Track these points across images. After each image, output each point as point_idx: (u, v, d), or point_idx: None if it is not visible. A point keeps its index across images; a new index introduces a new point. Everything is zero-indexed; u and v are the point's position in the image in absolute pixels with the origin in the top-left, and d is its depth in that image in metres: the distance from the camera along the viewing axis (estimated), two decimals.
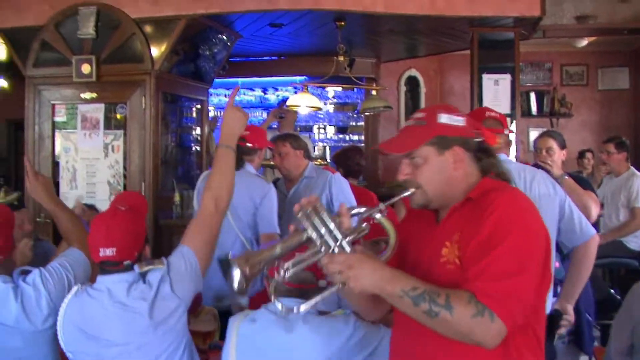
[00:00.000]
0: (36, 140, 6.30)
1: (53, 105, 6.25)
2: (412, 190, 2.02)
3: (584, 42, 9.43)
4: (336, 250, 1.85)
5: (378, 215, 1.97)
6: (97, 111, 6.11)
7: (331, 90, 9.66)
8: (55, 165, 6.27)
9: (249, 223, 4.24)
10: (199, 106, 6.99)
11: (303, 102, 7.15)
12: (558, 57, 10.39)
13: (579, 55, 10.24)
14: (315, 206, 1.89)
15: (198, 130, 7.00)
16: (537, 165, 4.35)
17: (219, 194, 2.84)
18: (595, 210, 4.34)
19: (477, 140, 2.06)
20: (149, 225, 5.55)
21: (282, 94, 9.62)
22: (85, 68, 5.94)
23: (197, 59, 6.62)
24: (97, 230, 2.64)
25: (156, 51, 5.93)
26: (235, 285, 1.81)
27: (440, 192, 2.01)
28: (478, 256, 1.82)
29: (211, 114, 8.01)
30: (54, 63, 6.16)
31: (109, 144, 6.06)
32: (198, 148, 6.97)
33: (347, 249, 1.86)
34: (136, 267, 2.62)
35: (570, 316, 3.48)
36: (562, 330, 3.48)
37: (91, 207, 4.52)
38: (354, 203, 4.45)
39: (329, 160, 8.98)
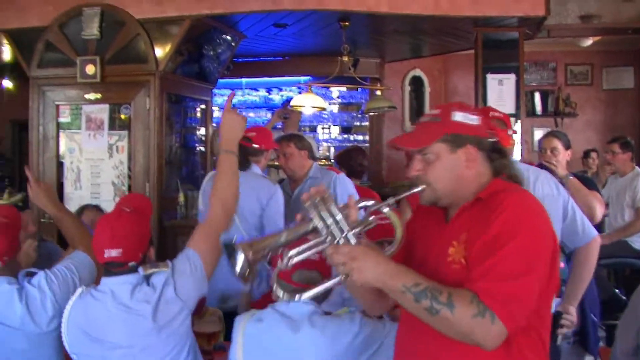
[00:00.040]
0: (40, 141, 6.31)
1: (57, 106, 6.27)
2: (422, 186, 2.01)
3: (588, 42, 9.41)
4: (341, 241, 1.84)
5: (386, 210, 1.95)
6: (102, 112, 6.12)
7: (335, 90, 9.66)
8: (60, 165, 6.28)
9: (255, 224, 4.23)
10: (203, 106, 7.00)
11: (307, 102, 7.15)
12: (562, 56, 10.37)
13: (583, 55, 10.22)
14: (324, 196, 1.88)
15: (202, 131, 7.00)
16: (541, 165, 4.35)
17: (226, 198, 2.85)
18: (600, 211, 4.33)
19: (491, 140, 2.04)
20: (153, 225, 5.55)
21: (286, 94, 9.63)
22: (90, 69, 5.96)
23: (201, 59, 6.63)
24: (102, 232, 2.64)
25: (160, 52, 5.94)
26: (238, 269, 1.81)
27: (450, 190, 2.00)
28: (483, 256, 1.81)
29: (215, 114, 8.01)
30: (58, 64, 6.17)
31: (114, 144, 6.07)
32: (202, 148, 6.97)
33: (353, 240, 1.85)
34: (140, 269, 2.63)
35: (572, 317, 3.47)
36: (564, 330, 3.46)
37: (96, 208, 4.53)
38: None
39: (332, 160, 8.98)
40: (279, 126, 7.96)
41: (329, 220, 1.85)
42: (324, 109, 7.92)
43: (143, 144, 5.96)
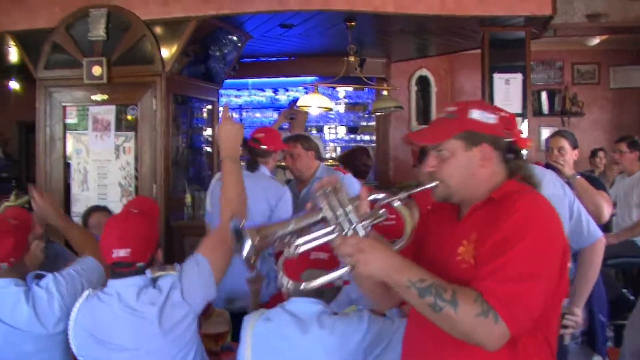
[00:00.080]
0: (47, 142, 6.33)
1: (64, 107, 6.28)
2: (436, 182, 2.00)
3: (595, 41, 9.37)
4: (350, 232, 1.84)
5: (397, 204, 1.94)
6: (108, 113, 6.12)
7: (342, 90, 9.65)
8: (67, 167, 6.29)
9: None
10: (209, 107, 7.00)
11: (314, 103, 7.15)
12: (569, 55, 10.34)
13: (590, 54, 10.19)
14: (336, 187, 1.88)
15: (209, 131, 7.01)
16: (548, 165, 4.34)
17: (234, 204, 2.85)
18: (607, 210, 4.32)
19: (508, 140, 2.01)
20: (160, 226, 5.55)
21: (292, 94, 9.63)
22: (96, 70, 5.96)
23: (208, 60, 6.63)
24: (110, 232, 2.65)
25: (166, 52, 5.94)
26: (244, 253, 1.82)
27: (463, 187, 1.98)
28: (492, 256, 1.80)
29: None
30: (64, 65, 6.18)
31: (120, 145, 6.08)
32: (209, 149, 6.97)
33: (361, 232, 1.84)
34: (148, 271, 2.63)
35: (577, 317, 3.46)
36: (568, 330, 3.46)
37: (104, 209, 4.53)
38: None
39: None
40: (286, 127, 7.97)
41: (339, 211, 1.85)
42: (331, 109, 7.91)
43: (150, 144, 5.96)
